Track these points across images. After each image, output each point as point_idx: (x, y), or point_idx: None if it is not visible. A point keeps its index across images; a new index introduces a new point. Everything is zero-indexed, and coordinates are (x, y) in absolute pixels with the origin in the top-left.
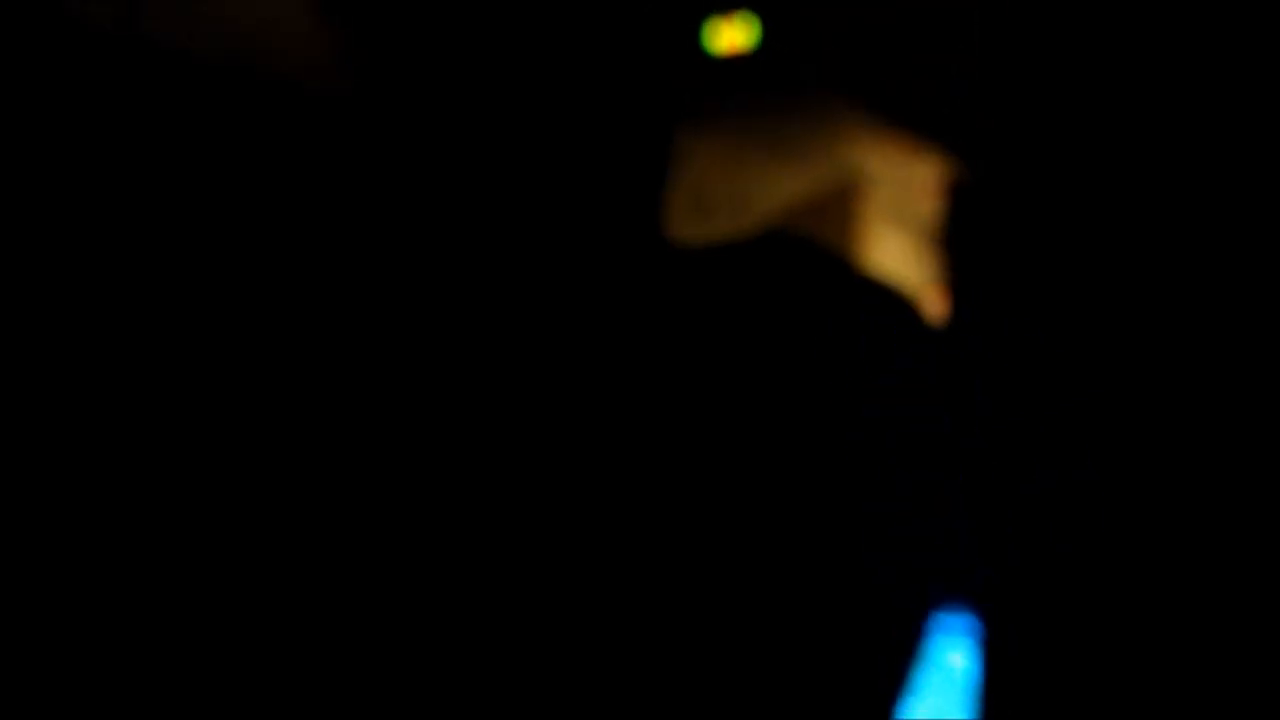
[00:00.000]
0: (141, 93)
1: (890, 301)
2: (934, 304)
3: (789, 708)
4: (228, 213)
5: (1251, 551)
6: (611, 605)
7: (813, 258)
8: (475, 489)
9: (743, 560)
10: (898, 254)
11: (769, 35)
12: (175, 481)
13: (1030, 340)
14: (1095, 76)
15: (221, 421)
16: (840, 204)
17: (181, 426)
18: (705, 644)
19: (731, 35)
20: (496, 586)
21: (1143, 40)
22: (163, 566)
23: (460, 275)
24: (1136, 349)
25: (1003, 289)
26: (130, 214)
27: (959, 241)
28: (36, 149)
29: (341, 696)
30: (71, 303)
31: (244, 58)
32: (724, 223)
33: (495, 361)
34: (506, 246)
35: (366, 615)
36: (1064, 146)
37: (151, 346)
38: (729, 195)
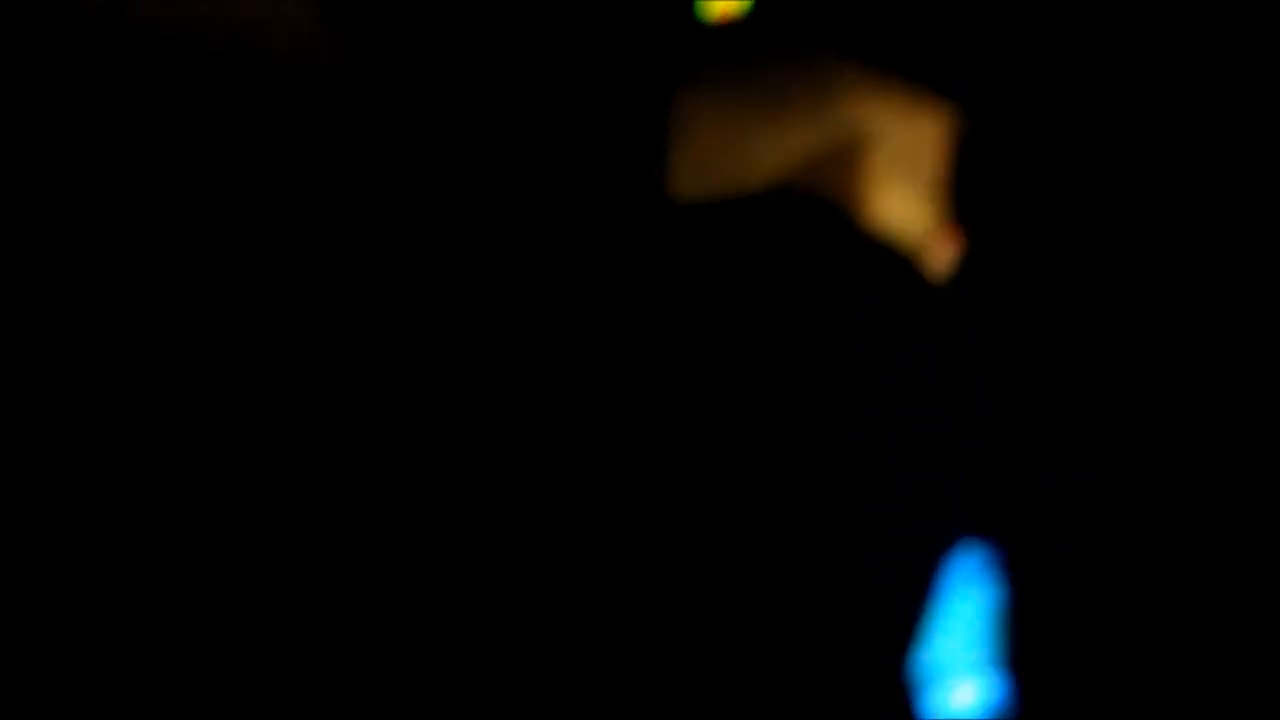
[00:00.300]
0: (135, 86)
1: (889, 297)
2: (944, 249)
3: (803, 654)
4: (224, 208)
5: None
6: (611, 580)
7: (809, 255)
8: (468, 473)
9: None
10: (902, 209)
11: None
12: (175, 480)
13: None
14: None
15: (218, 419)
16: (843, 162)
17: (177, 424)
18: (707, 611)
19: (724, 2)
20: (495, 585)
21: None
22: (162, 567)
23: (460, 261)
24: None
25: (1004, 282)
26: (125, 209)
27: (964, 210)
28: (30, 143)
29: (341, 697)
30: (67, 297)
31: (239, 51)
32: (727, 187)
33: (492, 350)
34: (503, 234)
35: (366, 615)
36: (1065, 134)
37: (150, 341)
38: (730, 160)
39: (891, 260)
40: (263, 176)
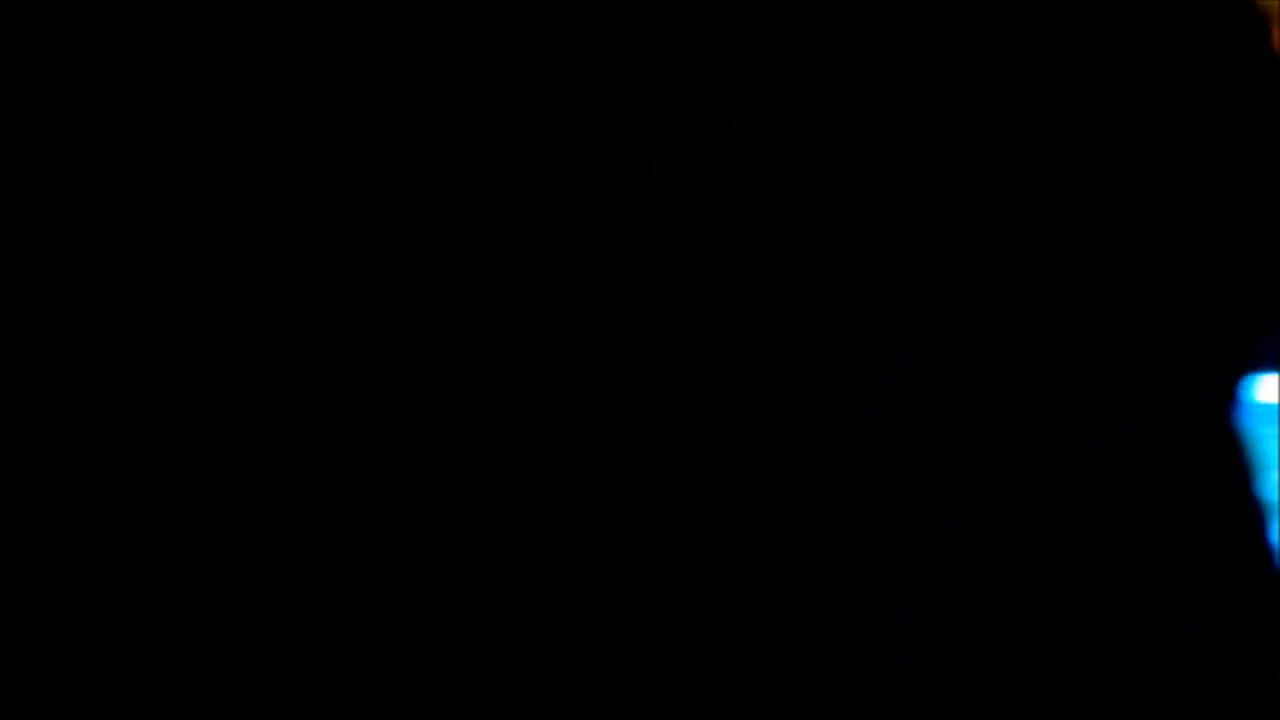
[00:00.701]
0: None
1: (890, 301)
2: None
3: (801, 653)
4: (223, 211)
5: None
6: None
7: (811, 258)
8: (471, 472)
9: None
10: None
11: None
12: (175, 481)
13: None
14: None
15: (218, 421)
16: None
17: (178, 426)
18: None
19: None
20: (496, 587)
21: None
22: (162, 567)
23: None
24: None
25: (1004, 285)
26: (123, 211)
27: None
28: (31, 145)
29: (341, 697)
30: (64, 298)
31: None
32: None
33: (492, 348)
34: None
35: (366, 615)
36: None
37: (151, 343)
38: None
39: (891, 260)
40: (260, 176)
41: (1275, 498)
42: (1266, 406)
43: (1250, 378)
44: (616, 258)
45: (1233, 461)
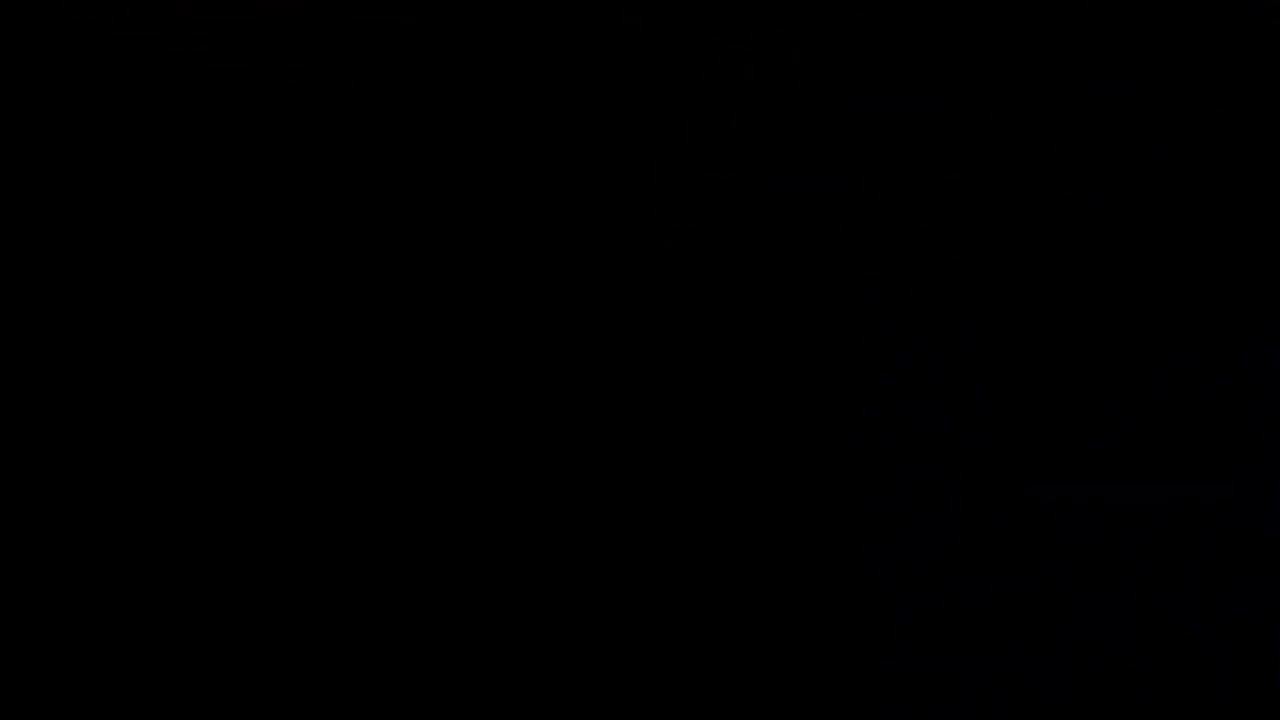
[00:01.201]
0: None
1: (890, 301)
2: None
3: (800, 652)
4: (223, 212)
5: None
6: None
7: (811, 258)
8: (472, 475)
9: None
10: None
11: None
12: (175, 481)
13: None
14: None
15: (217, 422)
16: None
17: (178, 427)
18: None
19: None
20: (497, 585)
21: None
22: (163, 566)
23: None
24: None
25: (1003, 287)
26: (123, 213)
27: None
28: (33, 147)
29: (341, 697)
30: (65, 300)
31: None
32: None
33: (496, 348)
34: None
35: (366, 615)
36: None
37: (151, 347)
38: None
39: (891, 260)
40: (259, 178)
41: None
42: None
43: None
44: (617, 257)
45: (1233, 460)
